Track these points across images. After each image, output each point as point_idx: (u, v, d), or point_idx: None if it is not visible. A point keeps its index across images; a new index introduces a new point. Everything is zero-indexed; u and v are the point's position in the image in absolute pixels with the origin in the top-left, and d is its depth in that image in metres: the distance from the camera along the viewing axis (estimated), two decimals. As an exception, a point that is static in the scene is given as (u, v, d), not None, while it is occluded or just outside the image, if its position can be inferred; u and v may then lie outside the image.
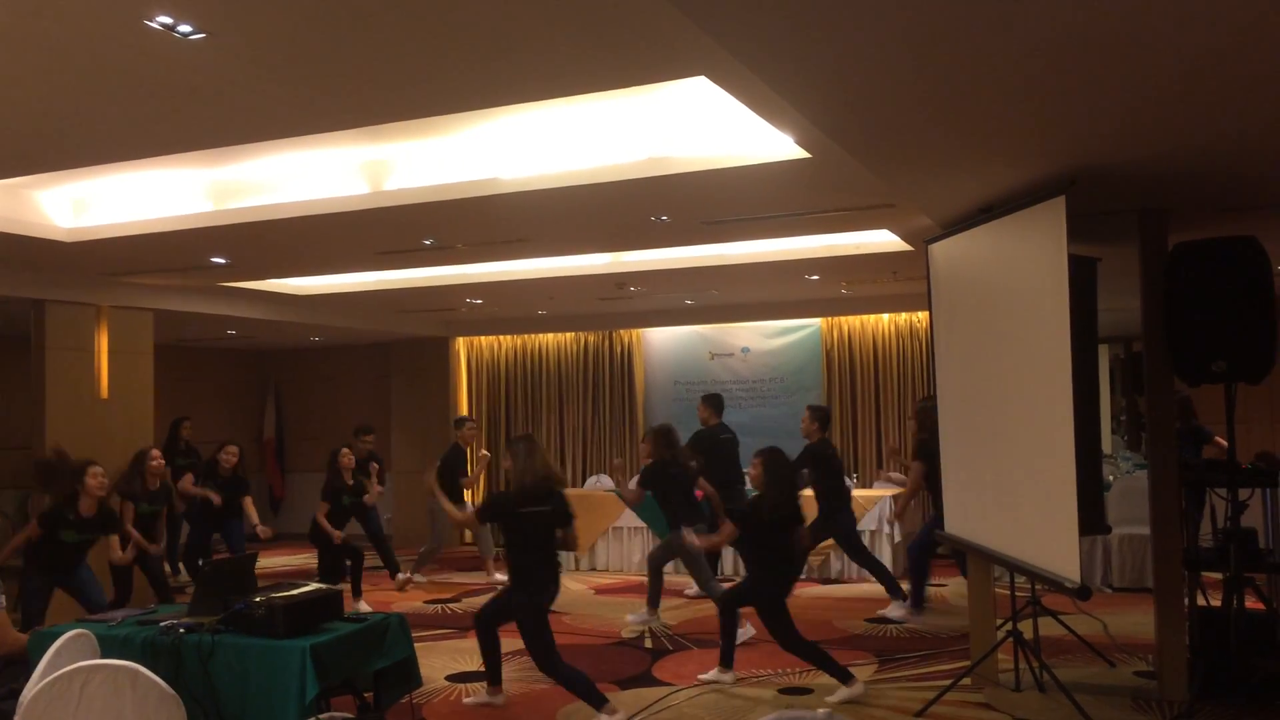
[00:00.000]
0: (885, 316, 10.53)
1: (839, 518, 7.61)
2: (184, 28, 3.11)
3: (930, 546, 7.37)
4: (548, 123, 4.97)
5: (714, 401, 8.17)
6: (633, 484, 7.61)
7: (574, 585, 9.13)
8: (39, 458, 7.15)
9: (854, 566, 8.60)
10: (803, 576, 8.71)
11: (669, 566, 7.68)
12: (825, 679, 5.79)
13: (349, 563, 8.05)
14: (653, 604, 7.39)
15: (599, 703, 5.02)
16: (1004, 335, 5.05)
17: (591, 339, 11.74)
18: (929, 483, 7.13)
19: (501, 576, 9.27)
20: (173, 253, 6.79)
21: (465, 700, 5.59)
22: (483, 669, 5.63)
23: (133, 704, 3.48)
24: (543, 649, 5.07)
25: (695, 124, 4.84)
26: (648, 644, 6.83)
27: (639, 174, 5.01)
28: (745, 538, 5.71)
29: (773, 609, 5.49)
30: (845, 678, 5.41)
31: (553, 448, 11.71)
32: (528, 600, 5.13)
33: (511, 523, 5.25)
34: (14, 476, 9.74)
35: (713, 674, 5.80)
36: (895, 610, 7.35)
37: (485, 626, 5.46)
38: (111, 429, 7.99)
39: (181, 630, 4.24)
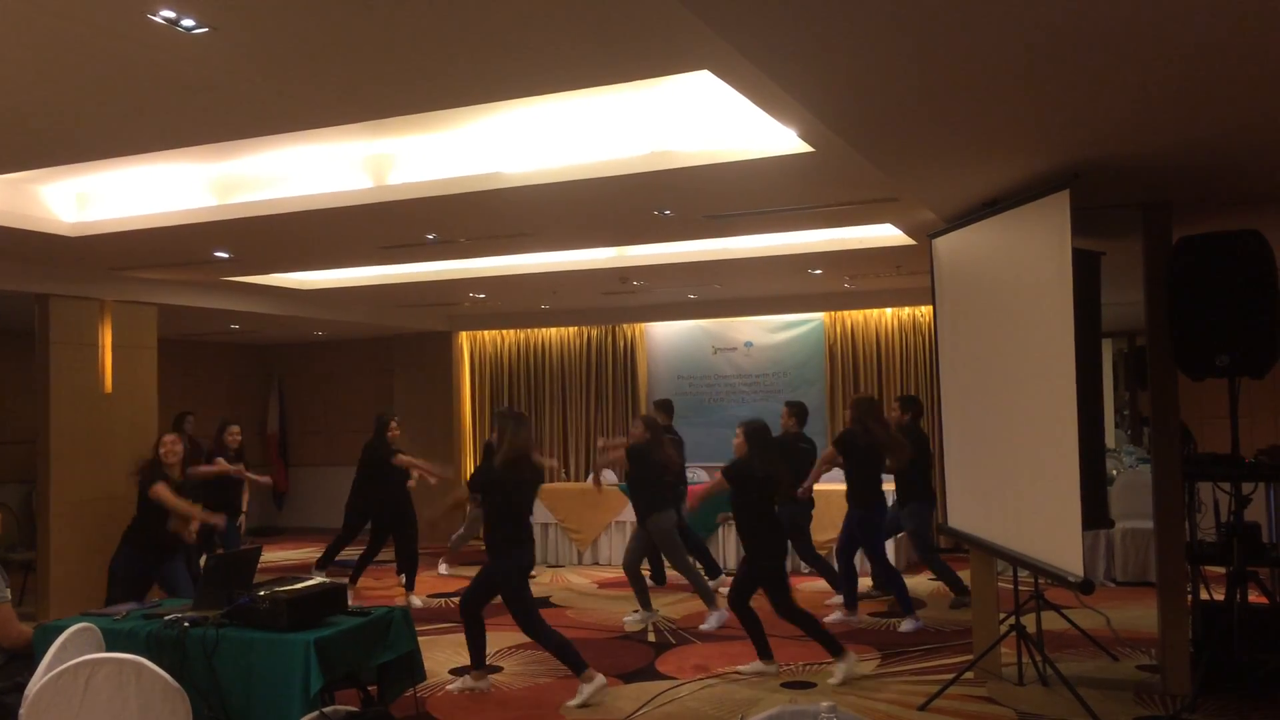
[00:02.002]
0: (888, 311, 10.52)
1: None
2: (187, 22, 3.11)
3: (853, 548, 7.32)
4: (551, 117, 4.96)
5: (798, 409, 7.88)
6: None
7: (576, 579, 9.15)
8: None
9: (858, 561, 8.64)
10: (806, 571, 8.75)
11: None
12: (828, 674, 5.81)
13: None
14: (645, 606, 7.36)
15: (580, 668, 5.34)
16: (1008, 329, 5.05)
17: (594, 333, 11.75)
18: (848, 478, 7.26)
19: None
20: (176, 247, 6.79)
21: (449, 688, 5.63)
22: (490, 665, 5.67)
23: (137, 697, 3.50)
24: (526, 611, 5.42)
25: (698, 118, 4.84)
26: (650, 638, 6.85)
27: (642, 168, 5.01)
28: (738, 504, 5.91)
29: (773, 579, 5.74)
30: (838, 651, 5.63)
31: (556, 442, 11.73)
32: (511, 564, 5.44)
33: (503, 492, 5.50)
34: (18, 470, 9.76)
35: (754, 666, 5.87)
36: (837, 614, 7.24)
37: (472, 613, 5.59)
38: (115, 424, 8.01)
39: (186, 624, 4.25)
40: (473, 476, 6.07)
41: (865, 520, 7.12)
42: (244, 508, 8.63)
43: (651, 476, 7.21)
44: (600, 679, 5.38)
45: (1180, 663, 5.16)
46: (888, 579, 7.26)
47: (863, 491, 7.12)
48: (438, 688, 5.67)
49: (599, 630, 7.10)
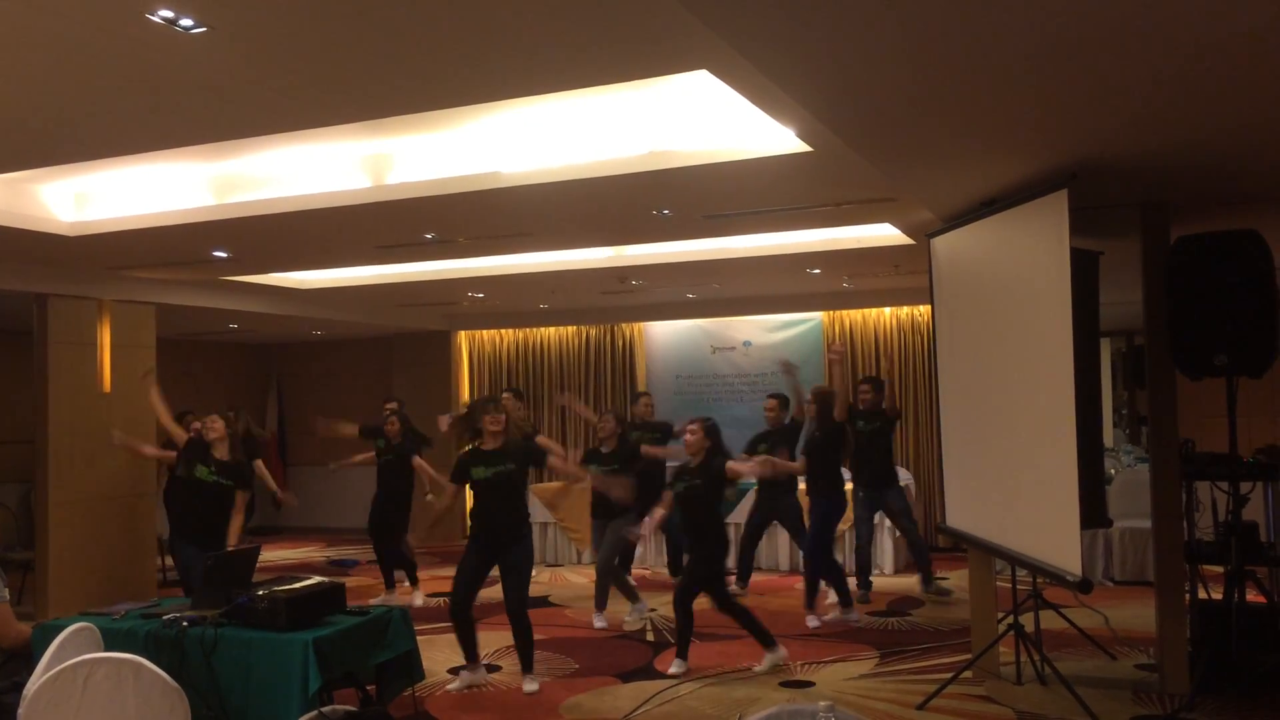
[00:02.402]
0: (887, 310, 10.52)
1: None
2: (185, 21, 3.11)
3: (828, 544, 7.35)
4: (549, 117, 4.96)
5: (784, 401, 7.96)
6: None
7: (575, 579, 9.15)
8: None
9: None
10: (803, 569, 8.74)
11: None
12: (826, 673, 5.82)
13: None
14: (633, 599, 7.39)
15: (530, 665, 5.65)
16: (1006, 329, 5.05)
17: (593, 333, 11.75)
18: (811, 472, 7.27)
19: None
20: (174, 247, 6.79)
21: (449, 688, 5.66)
22: (482, 662, 5.68)
23: (136, 697, 3.50)
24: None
25: (697, 118, 4.84)
26: (649, 637, 6.85)
27: (640, 168, 5.00)
28: (693, 506, 5.98)
29: (712, 582, 5.99)
30: (769, 643, 5.89)
31: (554, 441, 11.71)
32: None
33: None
34: (17, 470, 9.75)
35: (677, 664, 5.92)
36: (846, 613, 7.20)
37: (464, 612, 5.66)
38: (114, 423, 7.98)
39: (184, 623, 4.25)
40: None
41: (830, 508, 7.24)
42: (278, 488, 8.72)
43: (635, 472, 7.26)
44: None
45: (1178, 662, 5.16)
46: (827, 568, 7.32)
47: (828, 483, 7.22)
48: (436, 687, 5.67)
49: (597, 630, 7.10)
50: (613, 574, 7.34)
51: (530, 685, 5.62)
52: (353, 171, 5.64)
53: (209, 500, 6.16)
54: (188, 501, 6.38)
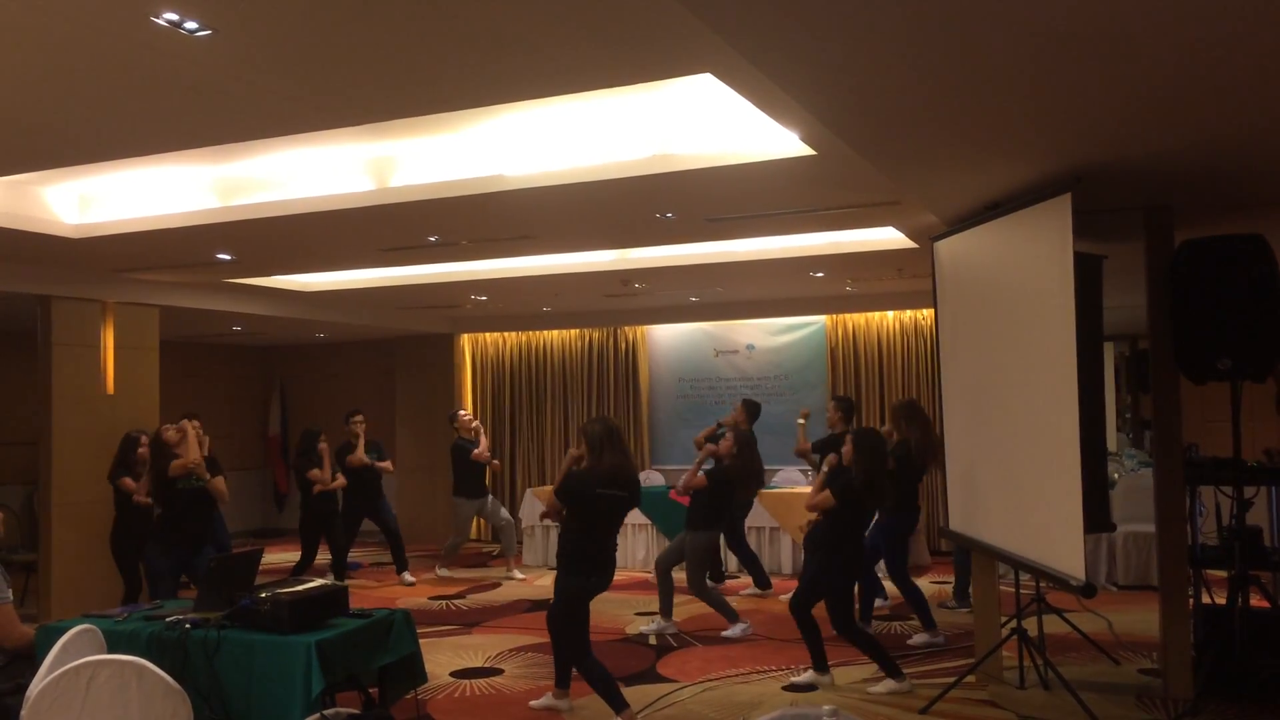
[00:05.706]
0: (890, 314, 10.52)
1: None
2: (190, 24, 3.11)
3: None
4: (553, 120, 4.97)
5: (752, 408, 8.02)
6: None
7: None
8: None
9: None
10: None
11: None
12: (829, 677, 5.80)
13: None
14: (666, 613, 7.13)
15: (620, 706, 4.91)
16: (1009, 333, 5.05)
17: (596, 336, 11.75)
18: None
19: (522, 574, 9.35)
20: (178, 249, 6.80)
21: (532, 704, 5.44)
22: (485, 665, 5.67)
23: (138, 699, 3.50)
24: (576, 636, 5.05)
25: (701, 121, 4.84)
26: (652, 641, 6.83)
27: (644, 171, 5.01)
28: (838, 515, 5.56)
29: (844, 596, 5.56)
30: (895, 672, 5.47)
31: (557, 445, 11.72)
32: (578, 582, 5.09)
33: (586, 505, 5.08)
34: (20, 472, 9.76)
35: (807, 676, 5.68)
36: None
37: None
38: (117, 425, 7.98)
39: (187, 625, 4.25)
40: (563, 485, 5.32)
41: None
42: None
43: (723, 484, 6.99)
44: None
45: (1182, 667, 5.15)
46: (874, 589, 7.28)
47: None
48: (439, 690, 5.67)
49: (602, 633, 7.08)
50: (664, 577, 7.15)
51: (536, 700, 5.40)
52: (356, 174, 5.65)
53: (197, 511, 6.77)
54: (180, 512, 6.67)
